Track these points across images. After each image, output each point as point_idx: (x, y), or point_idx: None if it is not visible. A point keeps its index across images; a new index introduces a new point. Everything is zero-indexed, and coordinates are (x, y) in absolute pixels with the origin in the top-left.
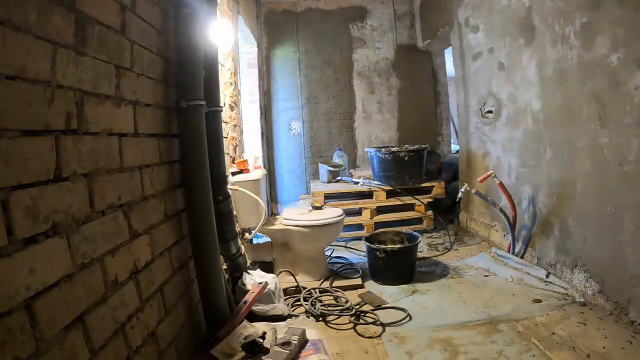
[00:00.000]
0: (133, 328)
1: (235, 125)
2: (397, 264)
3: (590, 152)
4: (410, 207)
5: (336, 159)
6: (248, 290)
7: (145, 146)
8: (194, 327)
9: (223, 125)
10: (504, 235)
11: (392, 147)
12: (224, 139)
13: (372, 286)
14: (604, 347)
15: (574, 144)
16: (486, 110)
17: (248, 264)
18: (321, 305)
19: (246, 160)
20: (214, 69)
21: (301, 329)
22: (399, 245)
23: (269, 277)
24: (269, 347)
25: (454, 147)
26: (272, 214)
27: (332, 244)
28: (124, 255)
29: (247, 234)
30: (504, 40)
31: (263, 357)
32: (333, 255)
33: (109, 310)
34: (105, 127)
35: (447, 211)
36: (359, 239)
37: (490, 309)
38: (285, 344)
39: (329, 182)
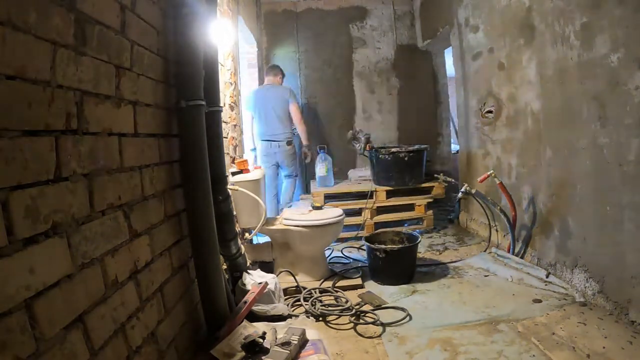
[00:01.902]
0: (133, 328)
1: (235, 125)
2: (397, 264)
3: (590, 152)
4: (410, 207)
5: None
6: (248, 290)
7: (145, 146)
8: (194, 327)
9: (223, 125)
10: (504, 235)
11: (392, 147)
12: (224, 139)
13: (372, 286)
14: (604, 347)
15: (574, 144)
16: (486, 110)
17: (248, 264)
18: (321, 305)
19: (246, 160)
20: (214, 69)
21: (301, 329)
22: (399, 245)
23: (269, 277)
24: (269, 347)
25: (454, 147)
26: None
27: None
28: (124, 255)
29: (247, 234)
30: (504, 40)
31: (263, 357)
32: (333, 255)
33: (109, 310)
34: (105, 127)
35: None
36: (359, 239)
37: (490, 309)
38: (285, 344)
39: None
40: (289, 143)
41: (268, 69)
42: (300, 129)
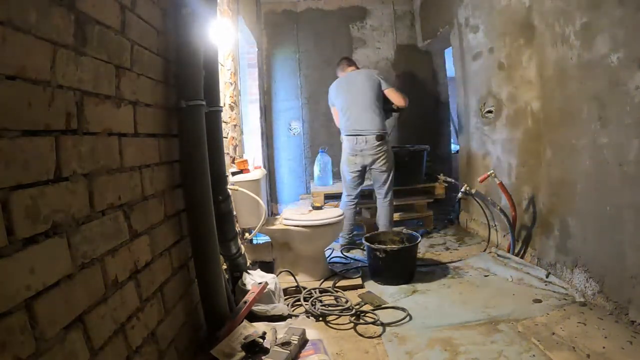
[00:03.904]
0: (133, 328)
1: (235, 125)
2: (397, 264)
3: (590, 152)
4: (410, 207)
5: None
6: (248, 290)
7: (145, 146)
8: (194, 327)
9: (223, 125)
10: (504, 235)
11: (392, 147)
12: (224, 139)
13: (372, 286)
14: (604, 347)
15: (574, 144)
16: (486, 110)
17: (248, 264)
18: (321, 305)
19: (246, 160)
20: (214, 69)
21: (301, 329)
22: (399, 245)
23: (269, 277)
24: (269, 347)
25: (454, 147)
26: (272, 214)
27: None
28: (124, 255)
29: (247, 234)
30: (504, 40)
31: (263, 357)
32: (333, 255)
33: (109, 310)
34: (105, 127)
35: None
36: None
37: (490, 309)
38: (285, 344)
39: None
40: (380, 138)
41: (342, 62)
42: (403, 105)
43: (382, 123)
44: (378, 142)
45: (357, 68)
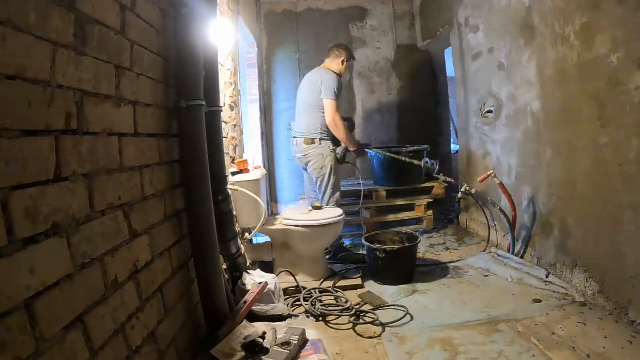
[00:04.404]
0: (133, 328)
1: (235, 125)
2: (397, 264)
3: (590, 152)
4: (410, 207)
5: None
6: (248, 290)
7: (145, 146)
8: (194, 327)
9: (223, 125)
10: (504, 235)
11: (392, 147)
12: (224, 139)
13: (372, 286)
14: (604, 347)
15: (574, 144)
16: (486, 110)
17: (248, 264)
18: (321, 305)
19: (246, 160)
20: (214, 69)
21: (301, 329)
22: (399, 246)
23: (269, 277)
24: (269, 347)
25: (454, 147)
26: (272, 214)
27: None
28: (124, 255)
29: (247, 234)
30: (504, 40)
31: (263, 357)
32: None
33: (109, 310)
34: (105, 127)
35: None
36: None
37: (490, 309)
38: (285, 344)
39: None
40: (308, 142)
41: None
42: (336, 134)
43: (315, 126)
44: (306, 146)
45: (329, 62)
